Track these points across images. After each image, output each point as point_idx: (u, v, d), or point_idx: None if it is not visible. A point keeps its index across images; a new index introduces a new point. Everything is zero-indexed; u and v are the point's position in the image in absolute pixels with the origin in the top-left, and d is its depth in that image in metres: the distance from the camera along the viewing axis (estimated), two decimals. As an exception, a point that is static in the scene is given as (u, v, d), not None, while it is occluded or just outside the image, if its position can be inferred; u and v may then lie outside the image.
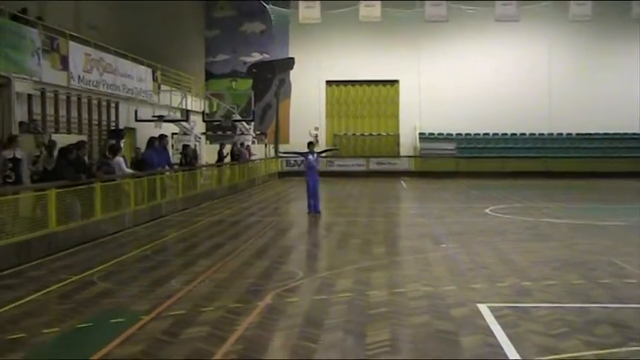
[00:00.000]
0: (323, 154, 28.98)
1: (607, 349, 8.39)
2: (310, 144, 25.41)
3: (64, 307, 10.71)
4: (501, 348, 8.38)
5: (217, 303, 10.74)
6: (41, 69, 23.77)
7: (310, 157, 24.08)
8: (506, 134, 49.44)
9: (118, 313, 10.18)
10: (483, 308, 10.26)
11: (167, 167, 25.50)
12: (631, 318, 9.88)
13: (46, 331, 9.33)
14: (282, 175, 47.37)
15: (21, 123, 20.93)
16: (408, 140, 50.13)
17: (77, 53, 26.95)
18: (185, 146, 31.13)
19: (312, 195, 23.79)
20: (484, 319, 9.71)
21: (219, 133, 43.46)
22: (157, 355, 8.25)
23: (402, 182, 42.48)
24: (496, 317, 9.74)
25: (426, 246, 16.83)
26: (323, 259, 15.26)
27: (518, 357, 7.99)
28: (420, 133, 49.72)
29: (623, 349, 8.44)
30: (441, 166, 47.04)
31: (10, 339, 8.97)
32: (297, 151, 26.21)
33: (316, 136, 49.89)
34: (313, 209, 23.63)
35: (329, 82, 50.70)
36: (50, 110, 25.98)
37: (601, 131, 48.42)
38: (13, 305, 10.78)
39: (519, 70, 48.88)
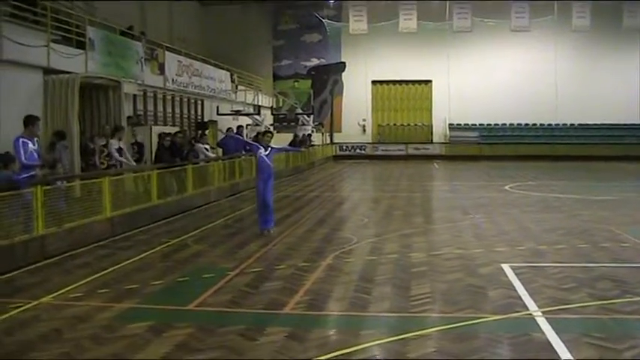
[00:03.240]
0: (282, 150, 17.68)
1: (608, 299, 8.37)
2: (264, 134, 14.97)
3: (166, 265, 10.90)
4: (521, 299, 8.38)
5: (288, 262, 10.84)
6: (144, 74, 24.11)
7: (261, 151, 13.79)
8: (520, 124, 48.87)
9: (209, 270, 10.33)
10: (506, 267, 10.24)
11: (244, 152, 25.69)
12: (627, 275, 9.79)
13: (153, 282, 9.52)
14: (336, 158, 47.39)
15: (128, 117, 21.23)
16: (439, 130, 49.84)
17: (171, 60, 27.24)
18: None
19: (262, 206, 13.79)
20: (507, 276, 9.69)
21: (285, 124, 43.50)
22: (241, 304, 8.38)
23: (435, 164, 42.23)
24: (516, 274, 9.72)
25: (456, 216, 16.76)
26: (372, 227, 15.26)
27: (536, 307, 8.00)
28: (449, 124, 49.40)
29: (621, 299, 8.40)
30: (467, 151, 46.72)
31: (126, 289, 9.19)
32: (243, 138, 16.62)
33: (364, 126, 49.91)
34: (264, 224, 13.78)
35: (374, 82, 50.46)
36: (150, 107, 26.25)
37: (598, 122, 47.73)
38: (126, 262, 11.01)
39: (531, 71, 48.23)
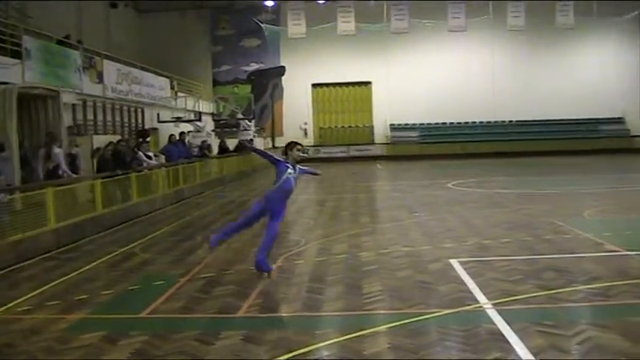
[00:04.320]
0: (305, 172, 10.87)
1: (554, 289, 8.61)
2: (292, 147, 10.32)
3: (115, 274, 10.80)
4: (471, 293, 8.56)
5: (238, 267, 10.84)
6: (82, 83, 23.81)
7: (290, 171, 10.07)
8: (460, 123, 49.52)
9: (159, 277, 10.29)
10: (454, 262, 10.42)
11: (187, 158, 25.62)
12: (569, 265, 10.09)
13: (104, 292, 9.44)
14: (278, 162, 47.23)
15: (68, 127, 20.95)
16: (380, 130, 50.21)
17: (110, 69, 26.96)
18: (203, 141, 31.22)
19: (273, 239, 10.13)
20: (455, 271, 9.87)
21: (226, 129, 43.26)
22: (195, 310, 8.37)
23: (378, 165, 42.53)
24: (465, 269, 9.91)
25: (402, 215, 16.92)
26: (320, 228, 15.33)
27: (486, 299, 8.17)
28: (390, 124, 49.84)
29: (566, 288, 8.66)
30: (408, 151, 47.17)
31: (77, 299, 9.09)
32: (273, 155, 10.49)
33: (305, 129, 49.97)
34: (267, 264, 9.97)
35: (314, 85, 50.63)
36: (90, 116, 25.94)
37: (536, 118, 48.71)
38: (74, 273, 10.88)
39: (469, 70, 49.02)
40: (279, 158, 10.16)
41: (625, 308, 7.88)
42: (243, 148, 9.80)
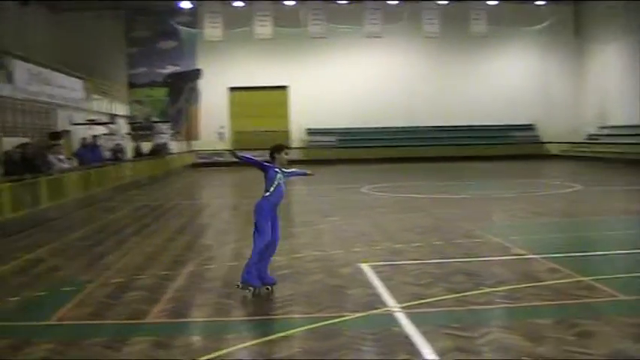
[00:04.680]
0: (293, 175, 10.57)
1: (462, 292, 8.80)
2: (279, 150, 9.72)
3: (22, 280, 10.54)
4: (381, 296, 8.68)
5: (149, 272, 10.72)
6: (-9, 83, 23.18)
7: (280, 176, 9.55)
8: (376, 127, 49.94)
9: (68, 283, 10.09)
10: (365, 267, 10.53)
11: (99, 162, 25.18)
12: (479, 268, 10.34)
13: (9, 299, 9.21)
14: (195, 165, 46.87)
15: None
16: (297, 135, 50.34)
17: (20, 69, 26.25)
18: (117, 144, 30.77)
19: (266, 249, 9.45)
20: (366, 275, 9.98)
21: (141, 132, 42.71)
22: (104, 316, 8.25)
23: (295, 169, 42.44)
24: (375, 273, 10.03)
25: (316, 219, 17.00)
26: (233, 232, 15.30)
27: (395, 303, 8.29)
28: (307, 129, 50.02)
29: (474, 291, 8.86)
30: (325, 155, 47.29)
31: (-19, 307, 8.87)
32: (259, 160, 9.76)
33: (222, 133, 49.67)
34: (269, 278, 9.39)
35: (231, 89, 50.38)
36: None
37: (450, 124, 49.64)
38: (-22, 280, 10.61)
39: (385, 76, 49.58)
40: (268, 164, 9.49)
41: (529, 310, 8.12)
42: (232, 156, 8.90)
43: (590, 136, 48.63)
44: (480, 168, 37.73)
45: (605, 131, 47.33)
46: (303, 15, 45.27)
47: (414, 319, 7.56)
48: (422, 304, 8.27)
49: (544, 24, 48.73)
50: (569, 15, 51.49)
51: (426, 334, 6.99)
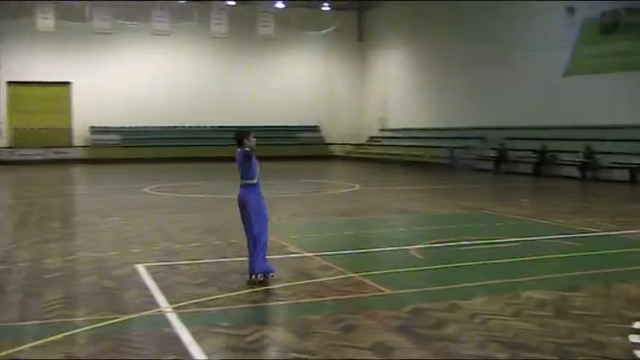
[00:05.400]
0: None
1: (234, 291, 8.92)
2: (248, 136, 10.14)
3: None
4: (153, 297, 8.61)
5: None
6: None
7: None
8: (162, 127, 49.34)
9: None
10: (141, 268, 10.40)
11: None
12: (253, 268, 10.51)
13: None
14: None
15: None
16: (80, 133, 48.42)
17: None
18: None
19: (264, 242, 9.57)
20: (141, 276, 9.86)
21: None
22: None
23: (77, 168, 41.12)
24: (151, 274, 9.93)
25: (94, 220, 16.54)
26: (3, 235, 14.57)
27: (167, 304, 8.26)
28: (91, 127, 48.34)
29: (248, 290, 9.03)
30: (109, 154, 46.01)
31: None
32: (239, 152, 10.05)
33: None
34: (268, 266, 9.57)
35: (10, 83, 47.79)
36: None
37: (237, 124, 49.79)
38: None
39: (172, 75, 49.01)
40: (247, 152, 9.63)
41: (298, 306, 8.38)
42: (249, 157, 8.44)
43: (372, 138, 50.92)
44: (264, 168, 37.78)
45: (386, 134, 49.77)
46: (88, 9, 43.90)
47: (185, 319, 7.57)
48: (194, 303, 8.28)
49: (329, 29, 50.51)
50: (353, 21, 53.70)
51: (195, 333, 7.02)
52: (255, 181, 9.61)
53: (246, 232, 9.55)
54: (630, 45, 29.59)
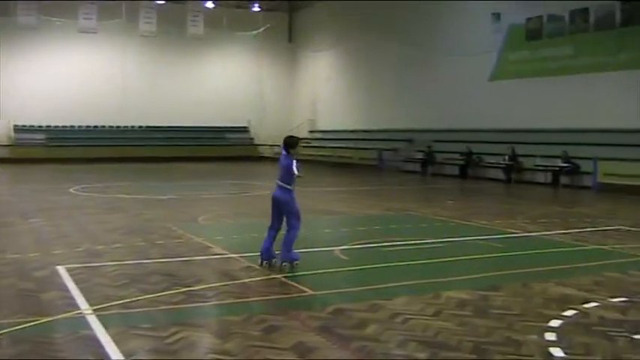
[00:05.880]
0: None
1: (156, 293, 8.86)
2: (297, 141, 11.11)
3: None
4: (73, 299, 8.49)
5: None
6: None
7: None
8: (89, 126, 48.55)
9: None
10: (61, 269, 10.25)
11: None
12: (176, 269, 10.48)
13: None
14: None
15: None
16: (3, 131, 47.23)
17: None
18: None
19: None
20: (61, 278, 9.72)
21: None
22: None
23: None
24: (71, 275, 9.80)
25: (15, 221, 16.18)
26: None
27: (87, 306, 8.15)
28: (14, 125, 47.18)
29: (169, 292, 8.96)
30: (33, 154, 44.98)
31: None
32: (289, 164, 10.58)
33: None
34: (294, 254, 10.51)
35: None
36: None
37: (165, 124, 49.56)
38: None
39: (99, 73, 48.21)
40: (289, 159, 10.42)
41: (221, 307, 8.43)
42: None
43: (301, 140, 50.88)
44: (192, 169, 38.05)
45: (315, 135, 49.95)
46: (12, 3, 42.86)
47: (105, 321, 7.48)
48: (114, 305, 8.20)
49: (260, 30, 50.47)
50: (283, 22, 53.81)
51: (114, 335, 6.94)
52: (291, 187, 10.47)
53: (274, 225, 10.68)
54: (553, 50, 30.34)
